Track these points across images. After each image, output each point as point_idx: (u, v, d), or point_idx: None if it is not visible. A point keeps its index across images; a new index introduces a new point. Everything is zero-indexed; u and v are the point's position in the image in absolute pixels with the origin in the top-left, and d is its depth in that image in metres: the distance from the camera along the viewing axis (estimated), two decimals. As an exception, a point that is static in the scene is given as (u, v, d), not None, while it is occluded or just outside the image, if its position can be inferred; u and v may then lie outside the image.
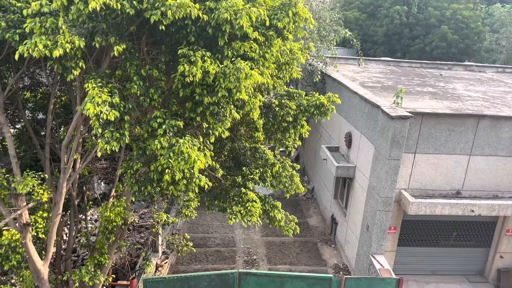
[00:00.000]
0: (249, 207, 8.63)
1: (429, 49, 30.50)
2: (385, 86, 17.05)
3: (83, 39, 6.00)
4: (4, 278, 9.76)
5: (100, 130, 6.16)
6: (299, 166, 10.61)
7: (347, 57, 25.19)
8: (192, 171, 6.53)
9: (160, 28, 6.27)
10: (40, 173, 8.02)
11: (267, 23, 6.96)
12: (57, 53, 5.68)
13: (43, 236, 8.14)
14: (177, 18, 6.12)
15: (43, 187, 7.81)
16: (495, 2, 37.24)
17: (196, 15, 6.19)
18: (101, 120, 6.09)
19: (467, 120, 12.02)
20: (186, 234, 12.79)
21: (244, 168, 9.64)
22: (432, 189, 12.61)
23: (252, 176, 9.39)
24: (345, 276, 10.57)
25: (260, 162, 9.79)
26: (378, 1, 33.85)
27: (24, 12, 6.05)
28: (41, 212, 8.14)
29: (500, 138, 12.15)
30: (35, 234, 7.99)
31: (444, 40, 29.94)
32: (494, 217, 13.42)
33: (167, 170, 6.56)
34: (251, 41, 6.95)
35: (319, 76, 17.56)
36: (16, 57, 5.98)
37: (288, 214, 9.97)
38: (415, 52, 31.13)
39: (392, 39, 32.18)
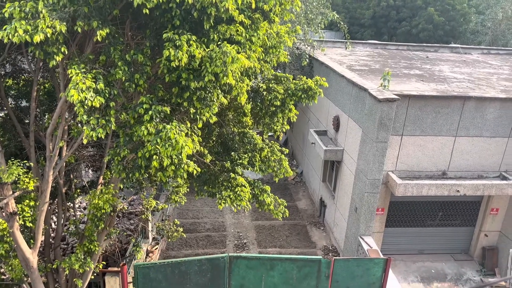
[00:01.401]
0: (238, 192, 8.65)
1: (416, 31, 30.55)
2: (372, 69, 17.08)
3: (65, 23, 5.85)
4: (-7, 267, 9.70)
5: (85, 117, 6.07)
6: (287, 150, 10.64)
7: (334, 40, 25.11)
8: (180, 156, 6.48)
9: (144, 11, 6.13)
10: (25, 161, 7.91)
11: (253, 6, 6.87)
12: (37, 38, 5.53)
13: (31, 224, 8.07)
14: (161, 1, 6.00)
15: (29, 176, 7.71)
16: (481, -16, 37.28)
17: (181, -2, 6.07)
18: (86, 107, 5.99)
19: (452, 101, 12.14)
20: (176, 220, 12.81)
21: (232, 153, 9.63)
22: (419, 171, 12.79)
23: (240, 161, 9.39)
24: (334, 258, 10.74)
25: (248, 147, 9.78)
26: (365, -17, 33.66)
27: (2, -4, 5.87)
28: (27, 201, 8.04)
29: (485, 119, 12.32)
30: (23, 223, 7.91)
31: (431, 22, 30.00)
32: (479, 196, 13.70)
33: (154, 156, 6.51)
34: (237, 24, 6.85)
35: (307, 60, 17.50)
36: (-4, 43, 5.83)
37: (277, 198, 10.03)
38: (402, 35, 31.16)
39: (379, 21, 32.13)
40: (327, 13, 17.19)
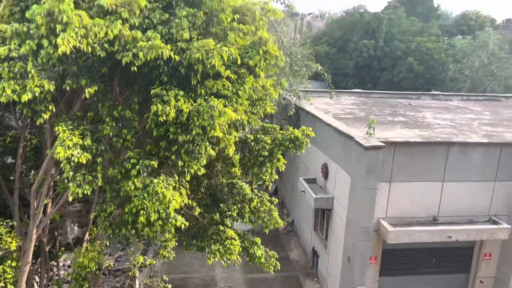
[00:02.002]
0: (228, 245, 8.48)
1: (398, 80, 31.67)
2: (357, 117, 17.46)
3: (53, 82, 5.96)
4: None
5: (71, 173, 6.02)
6: (277, 200, 10.58)
7: (319, 90, 25.81)
8: (168, 211, 6.41)
9: (132, 69, 6.29)
10: (8, 220, 7.70)
11: (239, 62, 7.10)
12: (25, 97, 5.61)
13: (12, 287, 7.71)
14: (149, 59, 6.18)
15: (12, 235, 7.50)
16: (456, 34, 39.34)
17: (168, 56, 6.27)
18: (72, 163, 5.97)
19: (437, 147, 12.35)
20: (164, 276, 12.38)
21: (221, 204, 9.54)
22: (410, 217, 12.73)
23: (230, 212, 9.29)
24: (329, 311, 10.37)
25: (237, 197, 9.72)
26: (347, 35, 35.24)
27: (-8, 57, 5.99)
28: (9, 262, 7.76)
29: (470, 163, 12.49)
30: (4, 285, 7.58)
31: (411, 71, 31.20)
32: (471, 242, 13.58)
33: (141, 211, 6.42)
34: (224, 79, 7.05)
35: (293, 110, 17.86)
36: (-16, 102, 5.86)
37: (268, 250, 9.83)
38: (385, 83, 32.23)
39: (362, 71, 33.32)
40: (311, 65, 17.80)
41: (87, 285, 8.40)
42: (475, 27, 40.84)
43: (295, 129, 9.91)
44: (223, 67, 6.74)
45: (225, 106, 6.80)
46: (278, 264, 9.61)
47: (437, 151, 12.34)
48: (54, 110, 6.29)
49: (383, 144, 11.73)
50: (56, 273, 11.21)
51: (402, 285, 13.84)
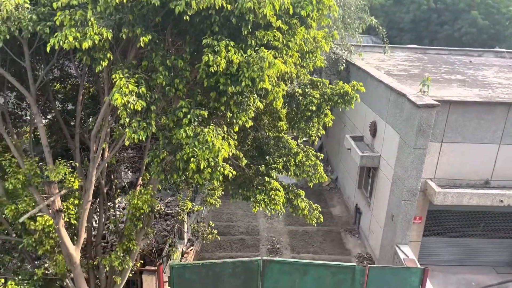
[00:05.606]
0: (272, 196, 8.70)
1: (458, 35, 29.60)
2: (411, 74, 16.71)
3: (111, 30, 6.14)
4: (38, 262, 10.21)
5: (127, 119, 6.32)
6: (322, 155, 10.58)
7: (372, 45, 24.73)
8: (217, 159, 6.63)
9: (184, 18, 6.33)
10: (70, 162, 8.30)
11: (291, 12, 6.94)
12: (86, 45, 5.85)
13: (75, 222, 8.44)
14: (201, 8, 6.18)
15: (74, 175, 8.08)
16: (529, -15, 35.61)
17: (220, 5, 6.23)
18: (128, 110, 6.24)
19: (497, 108, 11.68)
20: (210, 222, 13.01)
21: (267, 157, 9.70)
22: (460, 179, 12.37)
23: (275, 165, 9.44)
24: (369, 266, 10.56)
25: (283, 151, 9.81)
26: (405, -14, 32.98)
27: (54, 5, 6.23)
28: (72, 199, 8.42)
29: (532, 126, 11.75)
30: (67, 220, 8.30)
31: (474, 26, 28.98)
32: (525, 207, 13.05)
33: (192, 159, 6.68)
34: (275, 30, 6.94)
35: (343, 65, 17.35)
36: (48, 49, 6.17)
37: (312, 203, 9.99)
38: (443, 39, 30.26)
39: (419, 25, 31.36)
40: (365, 17, 16.99)
41: (141, 225, 9.03)
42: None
43: (345, 84, 9.68)
44: (275, 17, 6.62)
45: (275, 57, 6.74)
46: (322, 216, 9.79)
47: (496, 112, 11.69)
48: (111, 58, 6.53)
49: (437, 102, 11.25)
50: (113, 213, 12.10)
51: (446, 247, 13.72)
